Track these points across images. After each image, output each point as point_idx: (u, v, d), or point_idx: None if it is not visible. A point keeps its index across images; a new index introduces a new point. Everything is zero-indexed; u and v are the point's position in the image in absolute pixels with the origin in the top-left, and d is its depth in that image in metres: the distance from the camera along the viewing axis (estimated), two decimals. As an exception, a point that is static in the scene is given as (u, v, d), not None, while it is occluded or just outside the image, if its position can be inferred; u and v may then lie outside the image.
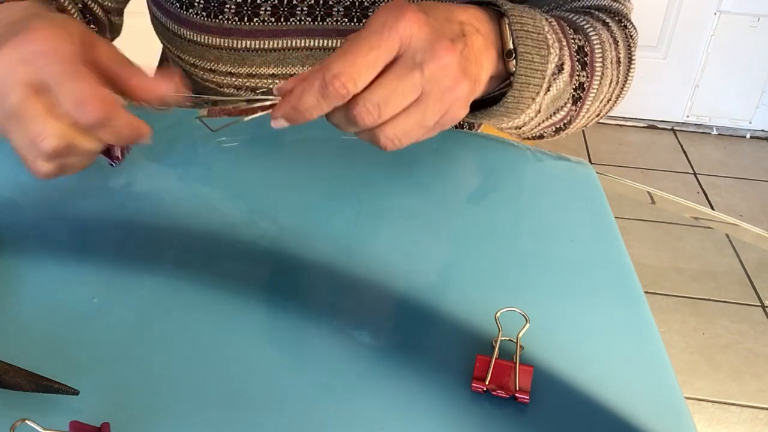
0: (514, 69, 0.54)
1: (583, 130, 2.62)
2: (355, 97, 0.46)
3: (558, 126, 0.64)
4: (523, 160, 0.66)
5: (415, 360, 0.42)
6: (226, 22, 0.68)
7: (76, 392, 0.36)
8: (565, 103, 0.61)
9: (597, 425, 0.39)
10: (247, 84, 0.74)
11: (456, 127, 0.83)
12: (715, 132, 2.69)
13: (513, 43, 0.54)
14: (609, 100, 0.67)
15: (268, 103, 0.49)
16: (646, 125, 2.72)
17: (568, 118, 0.63)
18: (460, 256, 0.51)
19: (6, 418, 0.34)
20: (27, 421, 0.33)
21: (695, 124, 2.70)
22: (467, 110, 0.50)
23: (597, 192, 0.60)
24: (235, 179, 0.59)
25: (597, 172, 0.63)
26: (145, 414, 0.37)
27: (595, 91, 0.63)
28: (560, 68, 0.58)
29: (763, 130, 2.67)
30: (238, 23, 0.68)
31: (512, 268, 0.50)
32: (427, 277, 0.48)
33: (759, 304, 1.73)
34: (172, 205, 0.54)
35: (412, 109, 0.47)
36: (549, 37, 0.56)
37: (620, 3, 0.70)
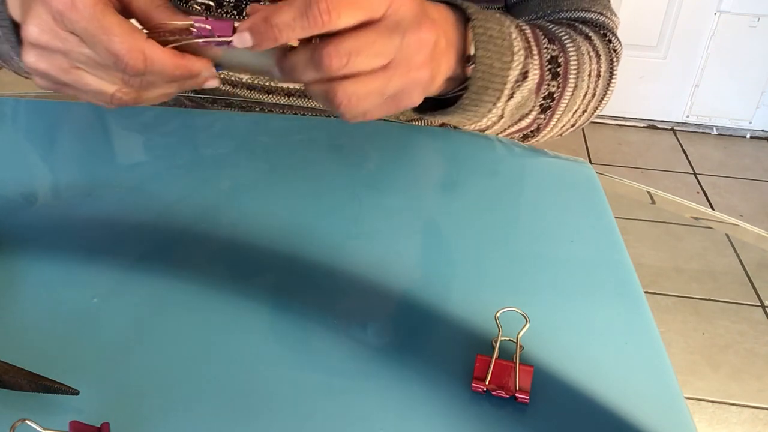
0: (470, 75, 0.54)
1: (583, 130, 2.62)
2: (328, 38, 0.44)
3: (525, 132, 0.65)
4: (524, 160, 0.66)
5: (415, 360, 0.42)
6: (224, 16, 0.68)
7: (76, 392, 0.36)
8: (531, 111, 0.61)
9: (597, 425, 0.39)
10: (243, 80, 0.74)
11: (455, 126, 0.84)
12: (715, 132, 2.69)
13: (474, 46, 0.54)
14: (584, 111, 0.67)
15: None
16: (646, 125, 2.72)
17: (536, 125, 0.64)
18: (460, 256, 0.51)
19: (6, 418, 0.34)
20: (27, 421, 0.33)
21: (695, 124, 2.70)
22: (421, 98, 0.50)
23: (597, 192, 0.60)
24: (235, 180, 0.59)
25: (597, 172, 0.63)
26: (145, 414, 0.37)
27: (566, 102, 0.63)
28: (524, 75, 0.57)
29: (763, 130, 2.67)
30: (237, 18, 0.68)
31: (512, 268, 0.50)
32: (427, 277, 0.48)
33: (759, 304, 1.73)
34: (173, 205, 0.54)
35: (377, 73, 0.46)
36: (515, 44, 0.56)
37: (606, 17, 0.71)
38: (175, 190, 0.56)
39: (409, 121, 0.79)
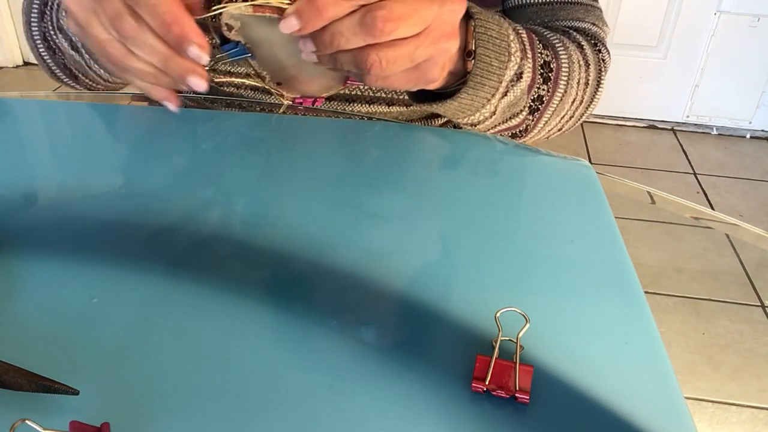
0: (471, 69, 0.57)
1: (583, 130, 2.62)
2: (377, 3, 0.45)
3: (514, 132, 0.67)
4: (524, 159, 0.66)
5: (415, 360, 0.42)
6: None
7: (76, 392, 0.36)
8: (521, 111, 0.64)
9: (597, 425, 0.39)
10: (246, 83, 0.74)
11: (454, 126, 0.84)
12: (715, 132, 2.69)
13: (474, 44, 0.56)
14: (571, 117, 0.70)
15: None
16: (646, 125, 2.72)
17: (524, 126, 0.66)
18: (460, 256, 0.51)
19: (6, 418, 0.34)
20: (27, 421, 0.33)
21: (695, 124, 2.70)
22: (441, 75, 0.52)
23: (597, 192, 0.60)
24: (235, 180, 0.59)
25: (597, 172, 0.63)
26: (145, 414, 0.37)
27: (554, 106, 0.66)
28: (519, 76, 0.60)
29: (763, 130, 2.67)
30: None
31: (512, 268, 0.50)
32: (427, 277, 0.48)
33: (759, 304, 1.73)
34: (173, 205, 0.54)
35: (410, 38, 0.48)
36: (512, 45, 0.59)
37: (598, 27, 0.74)
38: (176, 190, 0.56)
39: (409, 121, 0.79)
